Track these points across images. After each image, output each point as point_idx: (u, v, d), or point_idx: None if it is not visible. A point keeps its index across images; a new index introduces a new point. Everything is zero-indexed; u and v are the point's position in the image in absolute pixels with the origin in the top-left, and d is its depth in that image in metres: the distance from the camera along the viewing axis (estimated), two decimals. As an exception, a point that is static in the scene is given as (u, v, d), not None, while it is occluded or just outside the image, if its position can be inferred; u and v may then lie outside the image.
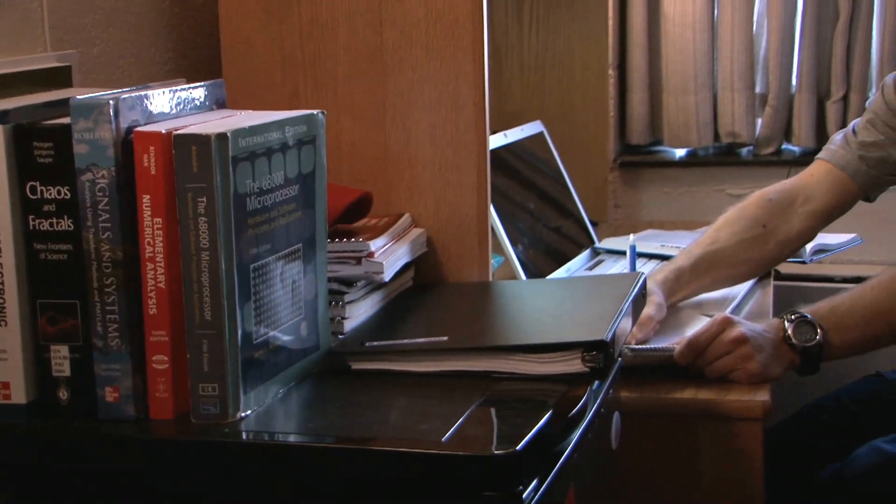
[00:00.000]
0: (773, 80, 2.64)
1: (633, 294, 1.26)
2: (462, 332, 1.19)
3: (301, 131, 1.09)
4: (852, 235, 2.18)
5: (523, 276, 1.76)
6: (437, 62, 1.38)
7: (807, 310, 1.50)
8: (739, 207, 1.85)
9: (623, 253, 2.03)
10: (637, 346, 1.47)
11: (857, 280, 2.50)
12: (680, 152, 2.78)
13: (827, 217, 1.84)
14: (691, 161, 2.75)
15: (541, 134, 2.07)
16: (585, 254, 2.03)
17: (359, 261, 1.23)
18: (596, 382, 1.18)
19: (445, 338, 1.15)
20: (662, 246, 2.03)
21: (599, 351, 1.10)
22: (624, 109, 2.76)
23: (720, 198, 2.68)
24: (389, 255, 1.27)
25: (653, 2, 2.68)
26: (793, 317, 1.48)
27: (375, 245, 1.25)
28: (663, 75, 2.69)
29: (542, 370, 1.11)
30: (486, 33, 1.38)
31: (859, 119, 1.86)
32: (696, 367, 1.47)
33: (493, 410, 1.05)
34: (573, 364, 1.10)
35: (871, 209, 2.39)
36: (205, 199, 0.97)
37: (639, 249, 2.02)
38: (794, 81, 2.65)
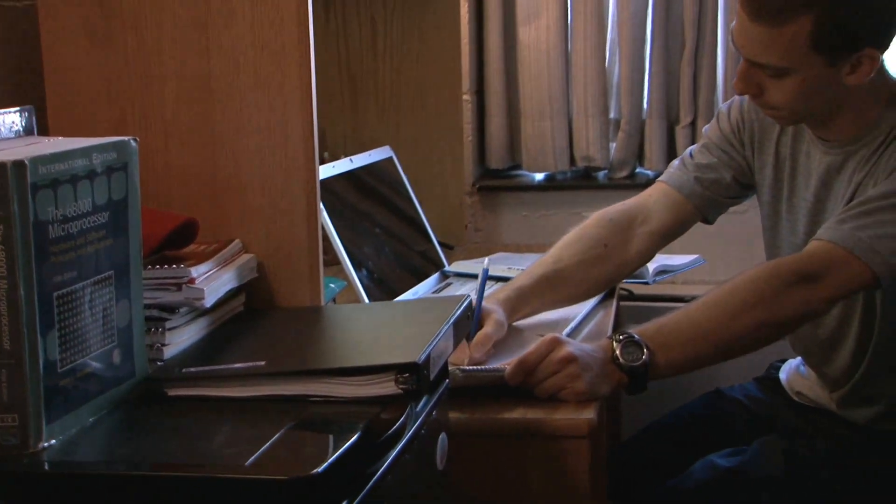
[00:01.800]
0: (625, 106, 2.72)
1: (455, 316, 1.28)
2: (281, 357, 1.20)
3: (111, 158, 1.09)
4: (694, 256, 2.25)
5: (366, 301, 1.78)
6: (264, 89, 1.39)
7: (635, 330, 1.54)
8: (581, 227, 1.90)
9: (472, 276, 2.07)
10: (468, 368, 1.50)
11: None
12: (539, 176, 2.84)
13: (664, 237, 1.89)
14: (549, 185, 2.81)
15: (390, 159, 2.10)
16: (434, 277, 2.06)
17: (179, 287, 1.23)
18: (421, 403, 1.21)
19: (263, 362, 1.16)
20: (510, 269, 2.07)
21: (412, 373, 1.11)
22: (483, 134, 2.81)
23: (577, 220, 2.70)
24: (213, 280, 1.28)
25: (509, 30, 2.73)
26: (621, 337, 1.52)
27: (197, 271, 1.25)
28: (521, 101, 2.75)
29: (358, 393, 1.12)
30: (314, 61, 1.39)
31: (696, 144, 1.92)
32: (526, 386, 1.50)
33: (302, 434, 1.06)
34: (387, 386, 1.12)
35: (713, 231, 2.47)
36: (1, 227, 0.96)
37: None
38: (645, 107, 2.73)
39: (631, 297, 2.54)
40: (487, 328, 1.62)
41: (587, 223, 1.90)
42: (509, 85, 2.77)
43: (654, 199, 1.89)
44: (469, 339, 1.57)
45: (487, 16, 2.71)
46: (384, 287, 1.88)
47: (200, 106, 1.40)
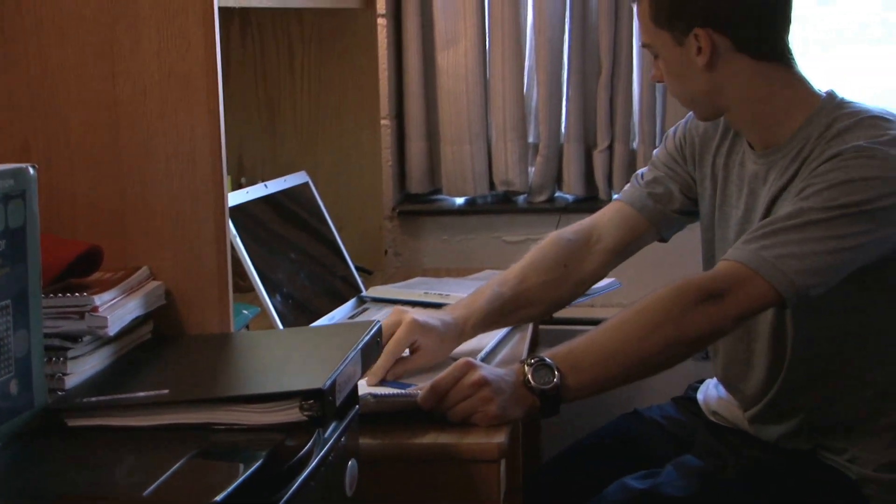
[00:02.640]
0: (543, 131, 2.74)
1: (364, 342, 1.29)
2: (185, 385, 1.20)
3: (7, 185, 1.08)
4: (611, 280, 2.27)
5: (280, 326, 1.77)
6: (172, 115, 1.38)
7: (547, 353, 1.54)
8: (540, 248, 1.90)
9: (389, 301, 2.07)
10: (379, 393, 1.50)
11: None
12: (459, 200, 2.85)
13: (619, 254, 1.91)
14: (469, 209, 2.82)
15: (306, 184, 2.10)
16: (351, 302, 2.05)
17: (82, 315, 1.22)
18: (329, 429, 1.21)
19: (166, 391, 1.15)
20: (426, 293, 2.07)
21: (317, 399, 1.11)
22: (403, 159, 2.81)
23: (496, 244, 2.76)
24: (117, 308, 1.26)
25: (427, 55, 2.75)
26: (532, 361, 1.53)
27: (101, 299, 1.24)
28: (440, 126, 2.76)
29: (262, 420, 1.12)
30: (221, 86, 1.39)
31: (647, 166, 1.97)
32: (439, 410, 1.50)
33: (204, 462, 1.05)
34: (291, 413, 1.12)
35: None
36: None
37: (404, 297, 2.07)
38: (562, 132, 2.76)
39: (550, 320, 2.56)
40: (399, 334, 1.64)
41: (545, 244, 1.90)
42: (429, 110, 2.78)
43: (607, 216, 1.91)
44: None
45: (406, 41, 2.73)
46: (300, 313, 1.87)
47: (106, 132, 1.39)
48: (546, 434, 2.57)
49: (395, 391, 1.52)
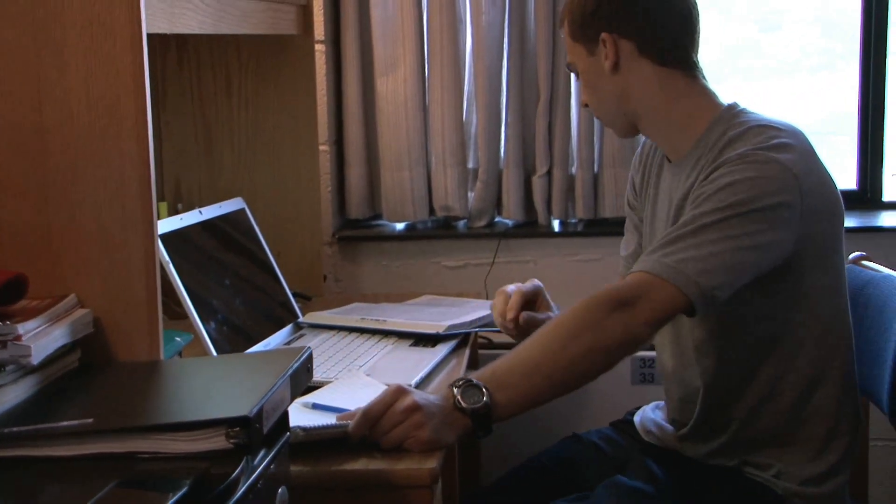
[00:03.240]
0: (482, 157, 2.76)
1: (293, 368, 1.28)
2: (110, 414, 1.18)
3: (-74, 213, 1.06)
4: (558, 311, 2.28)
5: (214, 353, 1.76)
6: (99, 141, 1.37)
7: (473, 375, 1.56)
8: None
9: (326, 327, 2.07)
10: (308, 426, 1.47)
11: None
12: (399, 226, 2.86)
13: None
14: (409, 235, 2.83)
15: (242, 210, 2.09)
16: (288, 328, 2.05)
17: (4, 344, 1.20)
18: (258, 456, 1.20)
19: (90, 420, 1.14)
20: (363, 319, 2.07)
21: (243, 427, 1.11)
22: (343, 185, 2.82)
23: (436, 269, 2.77)
24: (42, 337, 1.25)
25: (367, 81, 2.76)
26: (460, 382, 1.54)
27: (25, 328, 1.22)
28: (380, 151, 2.77)
29: (188, 448, 1.11)
30: (150, 113, 1.38)
31: None
32: (371, 439, 1.50)
33: (127, 491, 1.04)
34: (217, 441, 1.11)
35: (564, 280, 2.54)
36: None
37: (339, 323, 2.07)
38: (502, 157, 2.77)
39: (490, 345, 2.57)
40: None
41: None
42: (368, 135, 2.79)
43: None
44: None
45: (345, 67, 2.73)
46: (235, 339, 1.86)
47: (33, 159, 1.38)
48: (485, 458, 2.58)
49: (326, 423, 1.51)
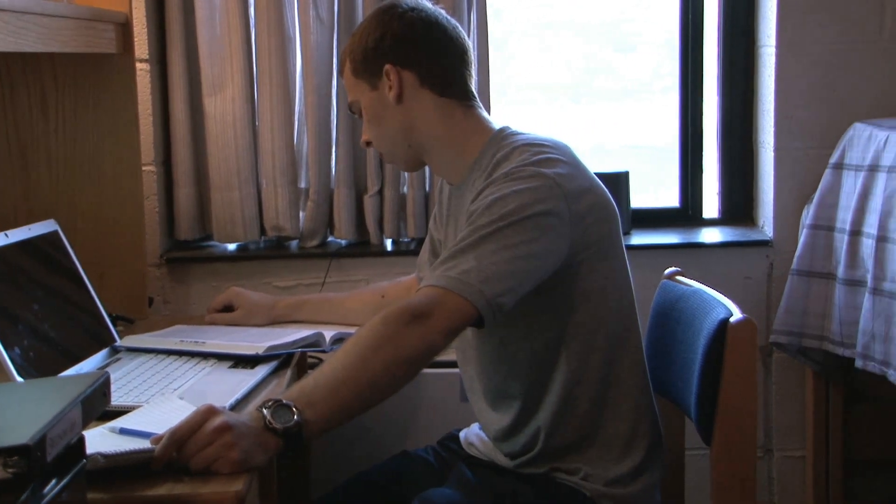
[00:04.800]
0: (313, 176, 2.75)
1: (85, 394, 1.25)
2: None
3: None
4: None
5: (18, 379, 1.70)
6: None
7: (281, 395, 1.55)
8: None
9: (144, 350, 2.03)
10: (110, 452, 1.43)
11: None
12: (232, 246, 2.83)
13: None
14: (241, 255, 2.80)
15: (54, 232, 2.03)
16: (103, 353, 2.00)
17: None
18: (50, 484, 1.17)
19: None
20: (181, 342, 2.04)
21: (23, 455, 1.08)
22: (172, 205, 2.77)
23: (267, 290, 2.74)
24: None
25: (195, 101, 2.73)
26: (269, 403, 1.53)
27: None
28: (209, 172, 2.74)
29: (-37, 479, 1.07)
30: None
31: None
32: (179, 460, 1.47)
33: None
34: (-6, 470, 1.07)
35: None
36: None
37: (157, 346, 2.03)
38: (333, 177, 2.77)
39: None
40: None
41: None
42: (197, 156, 2.76)
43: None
44: None
45: (172, 87, 2.70)
46: (44, 365, 1.81)
47: None
48: (316, 478, 2.57)
49: (129, 448, 1.46)
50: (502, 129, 1.86)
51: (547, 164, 1.73)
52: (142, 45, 2.61)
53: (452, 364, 2.09)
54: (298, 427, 1.52)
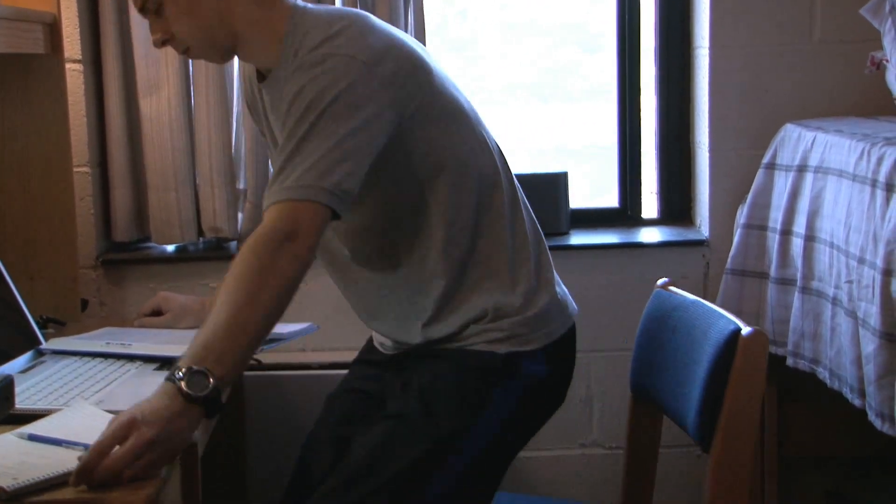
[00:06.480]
0: (251, 177, 2.75)
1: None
2: None
3: None
4: (307, 324, 2.28)
5: (-67, 385, 1.69)
6: None
7: (182, 362, 1.52)
8: None
9: (71, 353, 2.02)
10: (17, 484, 1.38)
11: (335, 365, 2.64)
12: (170, 248, 2.81)
13: None
14: (178, 257, 2.79)
15: (-23, 235, 2.02)
16: (27, 356, 1.98)
17: None
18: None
19: None
20: (108, 344, 2.03)
21: None
22: (108, 207, 2.76)
23: (204, 292, 2.73)
24: None
25: (130, 101, 2.71)
26: (181, 372, 1.50)
27: None
28: (146, 173, 2.72)
29: None
30: None
31: None
32: (100, 478, 1.42)
33: None
34: None
35: (322, 299, 2.54)
36: None
37: (85, 348, 2.02)
38: (270, 177, 2.76)
39: (260, 366, 2.55)
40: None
41: None
42: (133, 157, 2.74)
43: None
44: None
45: (107, 87, 2.68)
46: (-37, 369, 1.80)
47: None
48: (252, 478, 2.56)
49: (36, 478, 1.40)
50: (295, 6, 1.80)
51: (336, 39, 1.71)
52: (73, 45, 2.60)
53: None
54: (217, 392, 1.51)
